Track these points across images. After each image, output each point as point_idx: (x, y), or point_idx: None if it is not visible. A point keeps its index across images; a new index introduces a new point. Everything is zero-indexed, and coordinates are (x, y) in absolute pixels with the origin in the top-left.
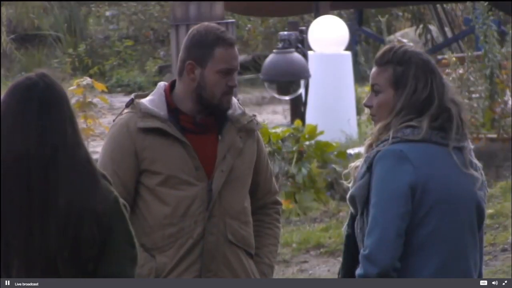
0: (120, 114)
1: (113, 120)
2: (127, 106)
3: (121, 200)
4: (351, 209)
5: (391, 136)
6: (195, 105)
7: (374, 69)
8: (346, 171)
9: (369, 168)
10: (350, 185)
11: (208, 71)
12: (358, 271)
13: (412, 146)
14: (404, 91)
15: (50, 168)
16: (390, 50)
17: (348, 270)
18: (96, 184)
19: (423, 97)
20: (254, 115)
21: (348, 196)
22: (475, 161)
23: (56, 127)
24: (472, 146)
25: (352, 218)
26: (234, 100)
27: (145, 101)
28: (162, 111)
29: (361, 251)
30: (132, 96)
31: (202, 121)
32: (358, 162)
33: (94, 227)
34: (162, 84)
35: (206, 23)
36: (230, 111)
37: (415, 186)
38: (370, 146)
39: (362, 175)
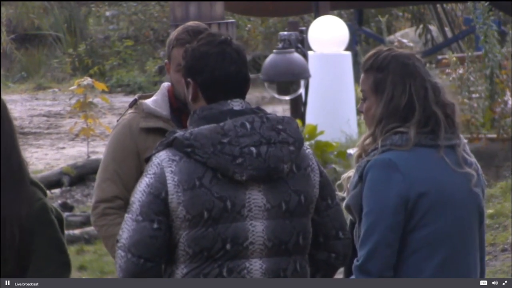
0: (124, 114)
1: (117, 121)
2: (130, 106)
3: (53, 208)
4: (351, 217)
5: (380, 144)
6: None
7: (361, 75)
8: (338, 182)
9: (361, 177)
10: (344, 195)
11: (172, 70)
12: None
13: (401, 153)
14: (383, 98)
15: None
16: (373, 55)
17: (349, 273)
18: (21, 192)
19: (403, 104)
20: None
21: (344, 205)
22: (469, 157)
23: None
24: (465, 141)
25: (352, 224)
26: None
27: (148, 101)
28: (165, 110)
29: (355, 261)
30: (136, 96)
31: None
32: (350, 173)
33: (15, 228)
34: (166, 84)
35: (189, 23)
36: None
37: (407, 194)
38: (359, 156)
39: (354, 185)
